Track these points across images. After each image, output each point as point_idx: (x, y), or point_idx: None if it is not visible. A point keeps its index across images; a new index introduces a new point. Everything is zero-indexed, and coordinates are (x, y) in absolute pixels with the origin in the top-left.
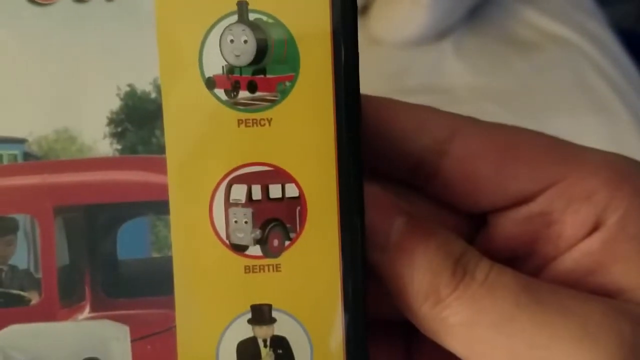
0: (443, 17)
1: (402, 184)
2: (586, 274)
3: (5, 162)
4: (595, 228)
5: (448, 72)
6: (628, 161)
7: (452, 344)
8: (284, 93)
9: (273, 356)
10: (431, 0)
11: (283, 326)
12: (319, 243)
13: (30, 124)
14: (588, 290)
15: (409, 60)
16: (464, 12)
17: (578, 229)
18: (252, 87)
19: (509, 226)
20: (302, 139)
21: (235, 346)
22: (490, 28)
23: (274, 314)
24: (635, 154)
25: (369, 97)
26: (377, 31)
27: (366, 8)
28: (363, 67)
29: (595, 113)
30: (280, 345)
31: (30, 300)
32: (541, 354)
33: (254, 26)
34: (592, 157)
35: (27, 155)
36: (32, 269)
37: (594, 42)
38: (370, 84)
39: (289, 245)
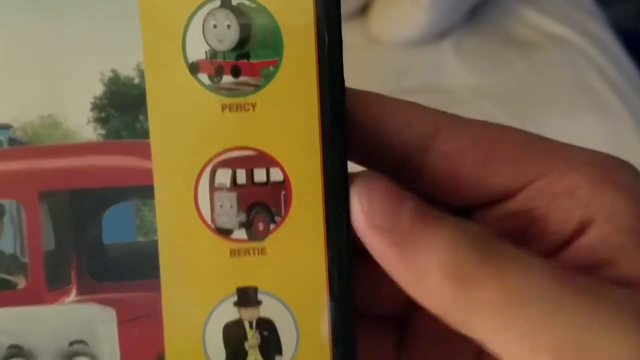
0: (443, 17)
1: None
2: (597, 267)
3: None
4: (582, 225)
5: (448, 72)
6: (610, 159)
7: (484, 324)
8: (268, 78)
9: (259, 338)
10: (431, 0)
11: (269, 308)
12: (304, 226)
13: (15, 110)
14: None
15: (409, 60)
16: (463, 12)
17: (562, 225)
18: (235, 72)
19: (492, 223)
20: (286, 123)
21: (222, 328)
22: (490, 28)
23: (260, 297)
24: (635, 154)
25: (355, 91)
26: (377, 31)
27: (366, 8)
28: (363, 68)
29: (595, 113)
30: (266, 327)
31: (16, 284)
32: (588, 337)
33: (237, 11)
34: (574, 155)
35: (12, 141)
36: (18, 254)
37: (593, 42)
38: (369, 84)
39: (274, 229)
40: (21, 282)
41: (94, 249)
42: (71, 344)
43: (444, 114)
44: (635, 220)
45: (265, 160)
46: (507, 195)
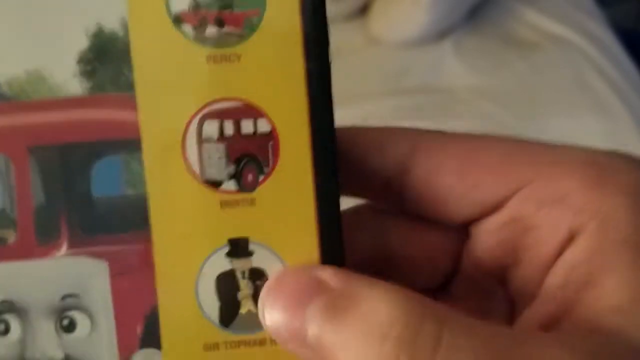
0: (443, 17)
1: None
2: (579, 288)
3: None
4: (572, 233)
5: (448, 72)
6: (613, 157)
7: None
8: (252, 28)
9: (252, 288)
10: (431, 1)
11: (261, 258)
12: (293, 176)
13: (1, 65)
14: (585, 308)
15: (409, 60)
16: (463, 12)
17: (554, 233)
18: (219, 22)
19: (487, 236)
20: (271, 73)
21: (214, 279)
22: (490, 28)
23: (251, 247)
24: (635, 154)
25: None
26: (377, 31)
27: (366, 8)
28: (363, 67)
29: (595, 113)
30: (259, 277)
31: (6, 240)
32: None
33: None
34: (568, 157)
35: None
36: (7, 209)
37: (593, 42)
38: (370, 84)
39: (263, 180)
40: (11, 237)
41: (84, 203)
42: (63, 297)
43: (419, 132)
44: (631, 229)
45: (251, 111)
46: (493, 208)
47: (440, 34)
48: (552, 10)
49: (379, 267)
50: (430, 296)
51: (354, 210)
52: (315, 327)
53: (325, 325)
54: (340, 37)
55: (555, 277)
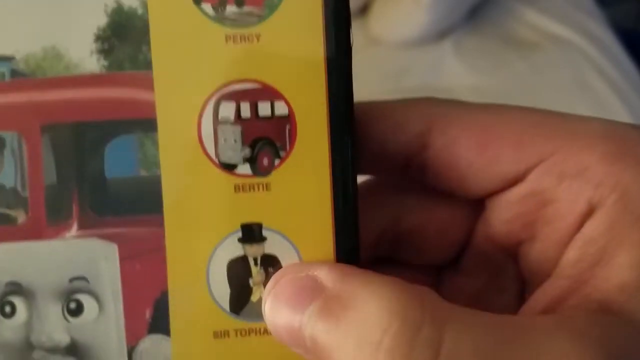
0: (443, 17)
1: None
2: (592, 264)
3: None
4: (591, 207)
5: (448, 72)
6: (630, 130)
7: None
8: (272, 8)
9: (264, 274)
10: (431, 1)
11: (273, 245)
12: (309, 162)
13: (18, 41)
14: (594, 287)
15: (409, 60)
16: (464, 12)
17: (574, 207)
18: (239, 1)
19: (505, 209)
20: (291, 55)
21: (226, 265)
22: (490, 28)
23: (265, 233)
24: None
25: None
26: (377, 31)
27: (366, 8)
28: (363, 67)
29: (595, 113)
30: (271, 264)
31: (17, 219)
32: None
33: None
34: (588, 130)
35: (14, 73)
36: (19, 188)
37: (593, 42)
38: (370, 84)
39: (279, 164)
40: (21, 217)
41: (96, 183)
42: (71, 280)
43: (435, 104)
44: None
45: (269, 93)
46: (514, 181)
47: (440, 34)
48: (552, 10)
49: (392, 241)
50: (439, 273)
51: (367, 186)
52: (311, 328)
53: (321, 326)
54: None
55: (572, 252)
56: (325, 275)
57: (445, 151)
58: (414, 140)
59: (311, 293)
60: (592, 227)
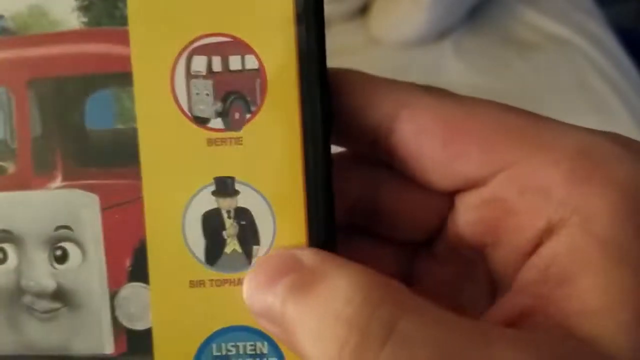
0: (443, 17)
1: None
2: (554, 286)
3: None
4: (551, 225)
5: (448, 72)
6: (608, 145)
7: None
8: None
9: (237, 227)
10: (431, 1)
11: (246, 198)
12: (280, 116)
13: (5, 1)
14: (558, 308)
15: (409, 60)
16: (463, 12)
17: (533, 222)
18: None
19: (469, 211)
20: (260, 9)
21: (201, 216)
22: (490, 28)
23: (237, 186)
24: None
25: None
26: (376, 31)
27: (366, 8)
28: (363, 67)
29: (595, 113)
30: (244, 217)
31: (6, 170)
32: None
33: None
34: (559, 142)
35: (3, 31)
36: (8, 140)
37: (593, 42)
38: None
39: (250, 118)
40: (10, 168)
41: (78, 135)
42: (56, 229)
43: (410, 88)
44: (616, 230)
45: (240, 47)
46: (476, 183)
47: (440, 34)
48: (552, 11)
49: (367, 212)
50: (414, 251)
51: (345, 155)
52: (280, 302)
53: (289, 300)
54: (340, 38)
55: (531, 271)
56: (306, 256)
57: (411, 139)
58: (382, 120)
59: (288, 269)
60: (553, 247)
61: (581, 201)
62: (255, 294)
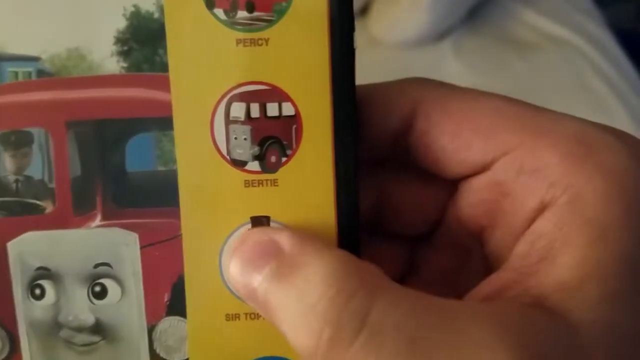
0: (442, 18)
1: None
2: (537, 261)
3: (20, 78)
4: (543, 204)
5: (447, 73)
6: (603, 135)
7: None
8: (280, 13)
9: None
10: (430, 1)
11: None
12: (314, 159)
13: (44, 43)
14: (535, 281)
15: (409, 60)
16: (463, 12)
17: (527, 202)
18: (249, 7)
19: (471, 194)
20: (297, 58)
21: None
22: (489, 29)
23: (272, 225)
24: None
25: None
26: (376, 32)
27: (366, 9)
28: (363, 68)
29: (594, 113)
30: None
31: (45, 209)
32: None
33: None
34: (558, 128)
35: (40, 72)
36: (46, 179)
37: (592, 43)
38: None
39: (286, 162)
40: (49, 207)
41: (118, 177)
42: (96, 266)
43: (423, 86)
44: (601, 211)
45: (277, 94)
46: (480, 168)
47: (439, 34)
48: (551, 11)
49: (376, 211)
50: (415, 242)
51: None
52: (263, 287)
53: (271, 285)
54: None
55: (521, 246)
56: (285, 240)
57: (425, 135)
58: (401, 122)
59: (269, 255)
60: (541, 224)
61: (572, 182)
62: (238, 278)
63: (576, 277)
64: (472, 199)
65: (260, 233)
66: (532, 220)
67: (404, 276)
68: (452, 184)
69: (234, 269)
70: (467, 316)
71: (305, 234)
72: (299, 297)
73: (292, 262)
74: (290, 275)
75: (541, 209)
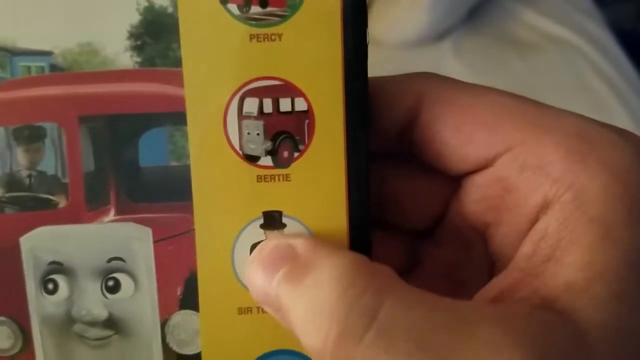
0: (442, 18)
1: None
2: (545, 260)
3: (33, 73)
4: (547, 201)
5: (447, 73)
6: (606, 132)
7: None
8: (294, 8)
9: None
10: (430, 2)
11: (292, 231)
12: (326, 154)
13: (56, 37)
14: (543, 282)
15: (409, 60)
16: (463, 12)
17: (531, 198)
18: (263, 2)
19: (475, 190)
20: (310, 54)
21: (249, 248)
22: (489, 29)
23: (284, 220)
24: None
25: None
26: (376, 32)
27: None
28: None
29: (594, 113)
30: None
31: (58, 204)
32: None
33: None
34: (560, 125)
35: (53, 67)
36: (59, 174)
37: (592, 43)
38: None
39: (298, 157)
40: (62, 202)
41: (131, 171)
42: (109, 260)
43: (427, 80)
44: (605, 208)
45: (290, 90)
46: (484, 164)
47: (439, 34)
48: (551, 11)
49: (376, 203)
50: (419, 237)
51: None
52: (277, 290)
53: (284, 287)
54: None
55: (527, 246)
56: (300, 244)
57: (428, 128)
58: (406, 116)
59: (284, 259)
60: (546, 223)
61: (576, 179)
62: (255, 284)
63: (584, 277)
64: (476, 195)
65: (279, 238)
66: (536, 217)
67: (408, 270)
68: (455, 179)
69: (250, 273)
70: (477, 318)
71: (320, 238)
72: (310, 298)
73: (305, 265)
74: (302, 277)
75: (544, 206)
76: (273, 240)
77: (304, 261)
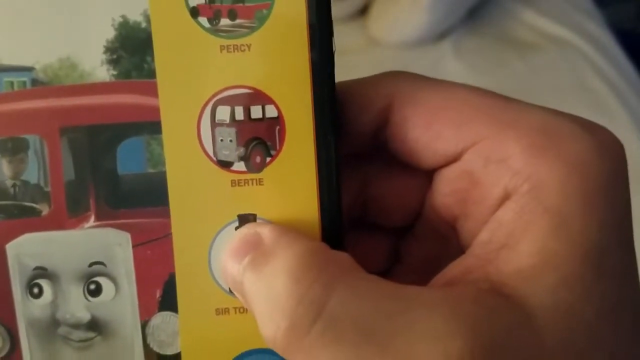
0: (442, 18)
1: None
2: (499, 247)
3: (15, 88)
4: (507, 193)
5: (447, 73)
6: (566, 124)
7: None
8: (261, 20)
9: None
10: (430, 2)
11: None
12: (297, 159)
13: (37, 53)
14: (495, 268)
15: (409, 60)
16: (462, 13)
17: (493, 191)
18: (232, 15)
19: (444, 184)
20: (279, 62)
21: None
22: (489, 29)
23: (258, 222)
24: (634, 154)
25: None
26: (376, 32)
27: (365, 9)
28: (362, 68)
29: (594, 114)
30: None
31: (41, 212)
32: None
33: None
34: (524, 120)
35: (35, 82)
36: (42, 184)
37: (592, 43)
38: None
39: (270, 162)
40: (45, 210)
41: (110, 179)
42: (90, 265)
43: (398, 80)
44: (561, 199)
45: (260, 97)
46: (454, 158)
47: (439, 34)
48: (551, 11)
49: (361, 204)
50: (396, 235)
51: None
52: (242, 277)
53: (248, 276)
54: (340, 38)
55: (484, 233)
56: (266, 233)
57: (400, 128)
58: (377, 116)
59: (250, 246)
60: (503, 212)
61: (534, 171)
62: (224, 269)
63: (534, 264)
64: (445, 189)
65: (248, 227)
66: (497, 208)
67: (390, 267)
68: (429, 175)
69: (223, 260)
70: (420, 304)
71: (289, 227)
72: (266, 288)
73: (267, 253)
74: (263, 265)
75: (504, 198)
76: (244, 228)
77: (266, 249)
